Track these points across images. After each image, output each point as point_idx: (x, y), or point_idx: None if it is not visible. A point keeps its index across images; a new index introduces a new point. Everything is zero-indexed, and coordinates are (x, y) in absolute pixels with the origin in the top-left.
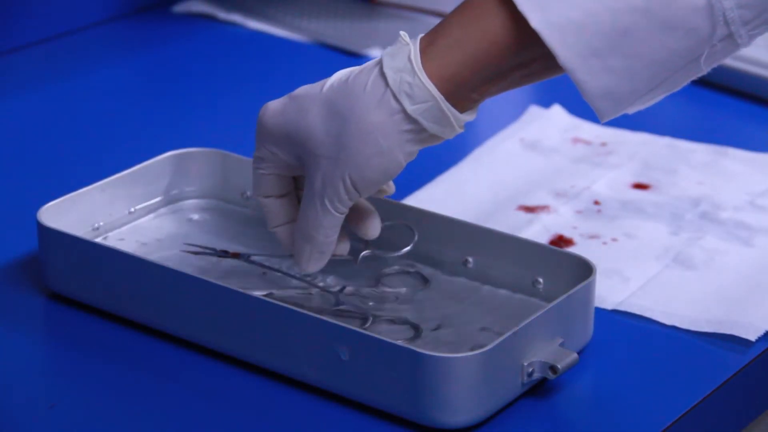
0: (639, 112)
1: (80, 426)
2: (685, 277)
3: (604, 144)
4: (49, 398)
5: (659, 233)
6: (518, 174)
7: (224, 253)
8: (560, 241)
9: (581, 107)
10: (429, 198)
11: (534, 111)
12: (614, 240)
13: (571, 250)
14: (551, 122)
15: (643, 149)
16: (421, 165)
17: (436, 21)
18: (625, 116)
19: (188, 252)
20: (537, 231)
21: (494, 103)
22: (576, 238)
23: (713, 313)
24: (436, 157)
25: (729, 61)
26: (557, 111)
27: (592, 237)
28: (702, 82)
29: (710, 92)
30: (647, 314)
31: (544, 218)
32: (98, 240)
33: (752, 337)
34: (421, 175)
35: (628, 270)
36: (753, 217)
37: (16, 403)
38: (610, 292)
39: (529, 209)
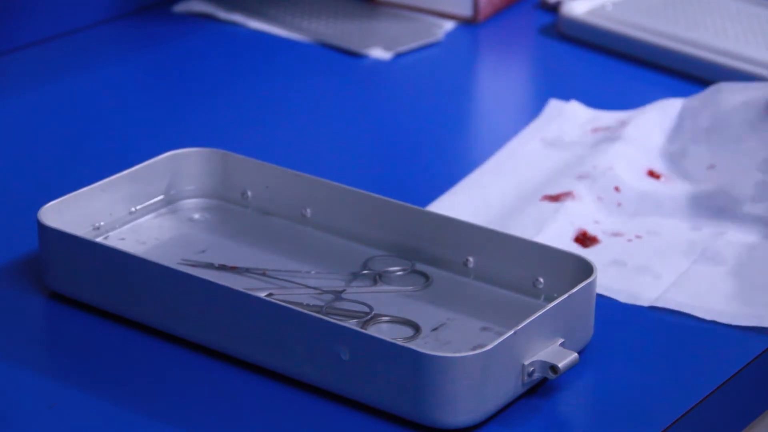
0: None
1: (80, 426)
2: (716, 272)
3: (622, 122)
4: (49, 398)
5: (680, 229)
6: (541, 169)
7: (222, 267)
8: (585, 239)
9: (598, 99)
10: (452, 204)
11: (554, 105)
12: (638, 237)
13: (597, 247)
14: (570, 118)
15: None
16: (443, 170)
17: (437, 21)
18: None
19: (186, 265)
20: (561, 227)
21: (513, 99)
22: (600, 236)
23: (751, 307)
24: (458, 161)
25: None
26: (575, 106)
27: (616, 234)
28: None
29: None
30: (685, 310)
31: (568, 207)
32: (99, 240)
33: None
34: (444, 180)
35: (657, 266)
36: None
37: (16, 403)
38: (644, 288)
39: (554, 198)
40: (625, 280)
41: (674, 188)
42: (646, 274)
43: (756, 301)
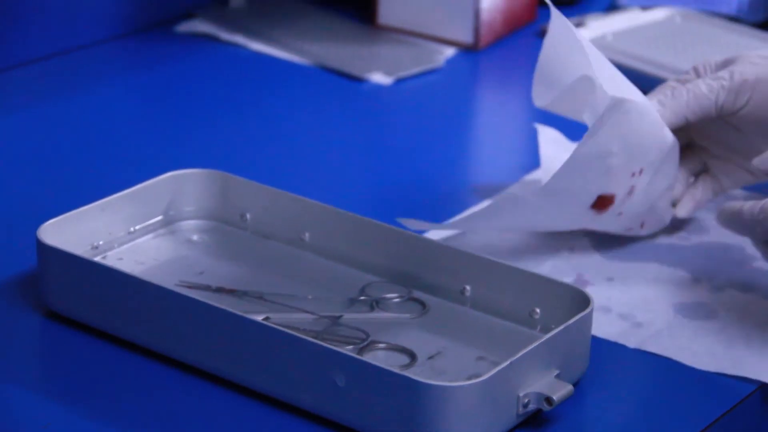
0: None
1: None
2: (703, 325)
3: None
4: (44, 418)
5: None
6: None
7: (220, 289)
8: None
9: None
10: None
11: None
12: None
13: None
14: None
15: None
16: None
17: (438, 47)
18: None
19: (183, 286)
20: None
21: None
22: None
23: (735, 355)
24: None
25: None
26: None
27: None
28: None
29: None
30: (668, 354)
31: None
32: (97, 259)
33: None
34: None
35: (642, 315)
36: None
37: (10, 423)
38: (627, 334)
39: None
40: (611, 325)
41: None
42: (629, 320)
43: (737, 349)
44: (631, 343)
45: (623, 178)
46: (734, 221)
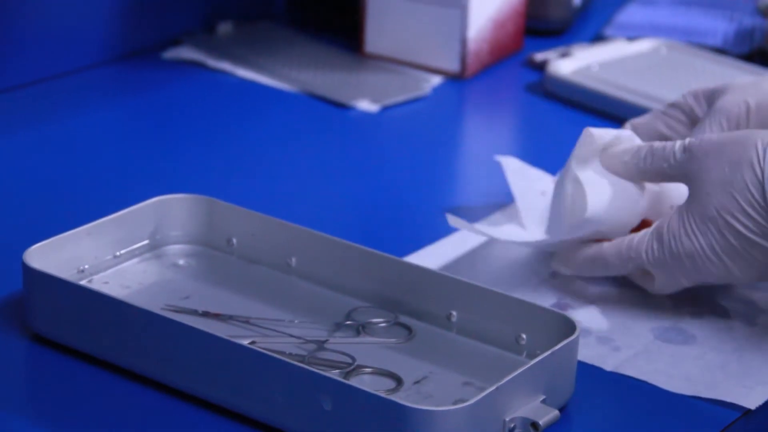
0: None
1: None
2: (681, 350)
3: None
4: None
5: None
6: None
7: (206, 314)
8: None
9: None
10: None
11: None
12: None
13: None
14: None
15: None
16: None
17: (424, 75)
18: None
19: (169, 311)
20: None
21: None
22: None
23: (711, 379)
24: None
25: None
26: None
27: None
28: None
29: None
30: (644, 377)
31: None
32: (83, 283)
33: (752, 405)
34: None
35: (621, 338)
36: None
37: None
38: (604, 357)
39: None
40: (588, 348)
41: None
42: (606, 345)
43: (717, 373)
44: (608, 366)
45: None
46: (597, 265)
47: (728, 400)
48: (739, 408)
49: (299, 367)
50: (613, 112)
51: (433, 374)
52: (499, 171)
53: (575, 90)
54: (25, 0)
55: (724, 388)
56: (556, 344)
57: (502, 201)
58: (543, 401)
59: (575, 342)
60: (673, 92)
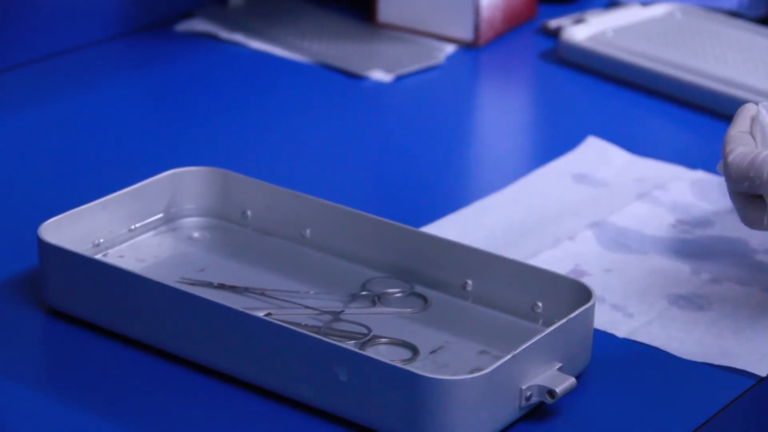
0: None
1: None
2: (696, 316)
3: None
4: (45, 415)
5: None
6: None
7: (221, 286)
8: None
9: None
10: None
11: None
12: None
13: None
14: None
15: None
16: (442, 192)
17: (438, 44)
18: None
19: (185, 283)
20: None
21: (512, 123)
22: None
23: (723, 345)
24: (456, 183)
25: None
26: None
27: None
28: None
29: None
30: (656, 344)
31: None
32: (98, 257)
33: (763, 373)
34: (443, 202)
35: (634, 305)
36: None
37: (12, 420)
38: (616, 324)
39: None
40: (602, 315)
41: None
42: (619, 311)
43: (729, 340)
44: (621, 332)
45: None
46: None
47: (741, 367)
48: (752, 376)
49: (315, 338)
50: (627, 78)
51: (449, 344)
52: (514, 138)
53: (590, 56)
54: None
55: (736, 355)
56: (571, 312)
57: (519, 169)
58: (559, 369)
59: (591, 309)
60: (688, 56)
